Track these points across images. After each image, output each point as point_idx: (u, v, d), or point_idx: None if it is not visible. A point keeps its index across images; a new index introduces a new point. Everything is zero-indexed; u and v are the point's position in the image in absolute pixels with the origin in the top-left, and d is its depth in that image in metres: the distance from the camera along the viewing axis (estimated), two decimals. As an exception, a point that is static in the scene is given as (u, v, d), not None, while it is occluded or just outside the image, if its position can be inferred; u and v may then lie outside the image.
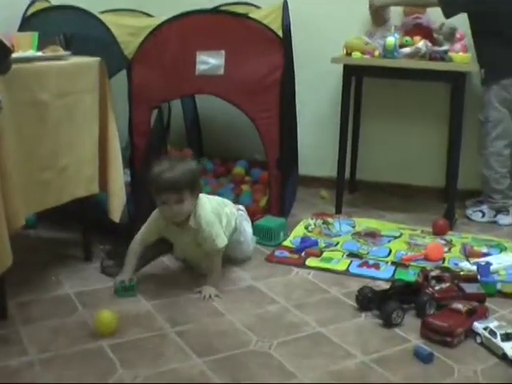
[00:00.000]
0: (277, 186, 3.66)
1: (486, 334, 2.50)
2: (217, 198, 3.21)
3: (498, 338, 2.46)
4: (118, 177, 3.07)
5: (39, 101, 2.67)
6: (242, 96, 3.52)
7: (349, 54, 3.86)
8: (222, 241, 2.95)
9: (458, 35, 3.85)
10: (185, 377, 2.27)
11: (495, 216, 4.00)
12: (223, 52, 3.50)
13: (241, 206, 3.34)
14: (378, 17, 4.12)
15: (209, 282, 2.91)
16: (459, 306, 2.63)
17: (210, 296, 2.84)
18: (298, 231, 3.68)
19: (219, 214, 3.04)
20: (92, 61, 3.01)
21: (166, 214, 2.89)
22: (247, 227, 3.28)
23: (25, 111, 2.59)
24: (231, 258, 3.19)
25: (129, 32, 3.48)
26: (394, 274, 3.15)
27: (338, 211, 4.02)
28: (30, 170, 2.65)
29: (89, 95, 2.98)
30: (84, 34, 3.20)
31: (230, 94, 3.52)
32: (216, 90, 3.53)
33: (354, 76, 4.07)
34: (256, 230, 3.48)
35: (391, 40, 3.71)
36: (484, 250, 3.44)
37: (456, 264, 3.25)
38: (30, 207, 2.67)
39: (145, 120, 3.43)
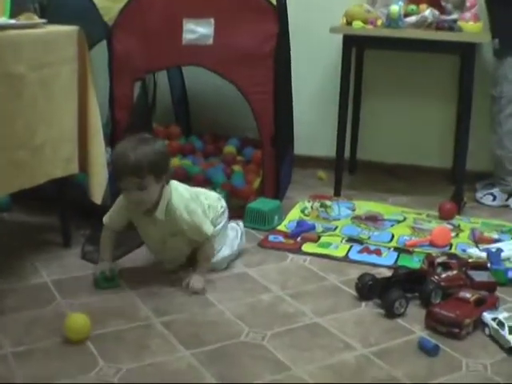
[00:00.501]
0: (271, 165, 3.65)
1: (495, 325, 2.50)
2: (197, 188, 3.06)
3: (506, 329, 2.45)
4: (100, 155, 3.06)
5: (13, 73, 2.64)
6: (233, 68, 3.50)
7: (349, 24, 3.84)
8: (208, 228, 2.84)
9: (468, 3, 3.82)
10: (171, 370, 2.26)
11: (507, 200, 4.00)
12: (212, 20, 3.48)
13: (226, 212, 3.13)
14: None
15: (198, 271, 2.87)
16: (467, 294, 2.63)
17: (197, 290, 2.78)
18: (294, 214, 3.68)
19: (196, 200, 2.89)
20: (70, 29, 2.98)
21: (129, 201, 2.77)
22: (232, 235, 3.15)
23: (-1, 85, 2.57)
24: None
25: (109, -3, 3.45)
26: (396, 261, 3.15)
27: (337, 193, 4.02)
28: (3, 149, 2.63)
29: (67, 67, 2.96)
30: (61, 1, 3.18)
31: (220, 66, 3.51)
32: (205, 62, 3.52)
33: (355, 47, 4.07)
34: (248, 213, 3.50)
35: (395, 8, 3.69)
36: (495, 235, 3.45)
37: (464, 250, 3.26)
38: (1, 188, 2.65)
39: (127, 93, 3.41)
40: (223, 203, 3.08)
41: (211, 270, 2.95)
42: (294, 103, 4.19)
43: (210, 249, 2.90)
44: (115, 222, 2.90)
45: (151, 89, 4.33)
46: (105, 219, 2.90)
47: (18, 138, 2.70)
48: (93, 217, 3.22)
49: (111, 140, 3.45)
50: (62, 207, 3.24)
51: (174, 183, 2.86)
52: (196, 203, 2.86)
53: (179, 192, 2.82)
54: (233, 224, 3.19)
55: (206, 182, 3.96)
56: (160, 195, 2.75)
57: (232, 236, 3.12)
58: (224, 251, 3.03)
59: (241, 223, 3.25)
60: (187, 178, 4.04)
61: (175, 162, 4.27)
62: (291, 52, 4.03)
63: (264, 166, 3.69)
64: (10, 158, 2.67)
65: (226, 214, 3.08)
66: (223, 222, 3.05)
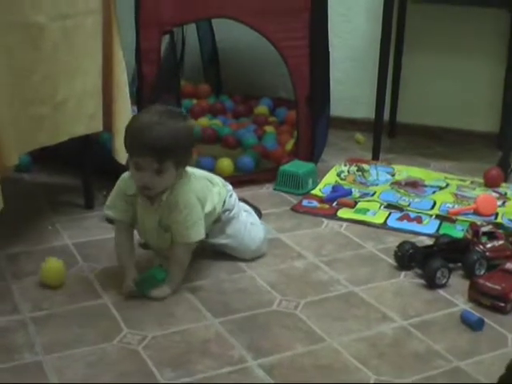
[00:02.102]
0: (306, 126, 3.61)
1: (542, 299, 2.46)
2: (205, 173, 2.73)
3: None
4: (125, 113, 3.03)
5: (32, 23, 2.61)
6: (267, 22, 3.45)
7: (392, -26, 3.76)
8: (196, 233, 2.50)
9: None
10: (198, 339, 2.25)
11: (558, 166, 3.93)
12: (246, -31, 3.43)
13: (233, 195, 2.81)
14: None
15: (168, 280, 2.51)
16: (514, 266, 2.58)
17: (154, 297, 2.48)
18: (329, 179, 3.65)
19: (205, 197, 2.57)
20: (94, -22, 2.95)
21: (138, 183, 2.45)
22: (253, 219, 2.87)
23: (15, 35, 2.54)
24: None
25: None
26: (438, 229, 3.11)
27: (376, 157, 3.97)
28: (22, 103, 2.61)
29: (91, 18, 2.92)
30: None
31: (254, 19, 3.45)
32: (237, 14, 3.46)
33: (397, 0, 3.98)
34: (281, 177, 3.47)
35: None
36: (545, 204, 3.39)
37: (511, 221, 3.21)
38: (21, 145, 2.64)
39: (154, 46, 3.37)
40: (229, 187, 2.78)
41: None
42: (330, 61, 4.13)
43: (184, 254, 2.54)
44: (119, 209, 2.58)
45: (179, 44, 4.30)
46: (106, 209, 2.63)
47: (37, 92, 2.68)
48: (116, 177, 3.21)
49: (137, 97, 3.42)
50: (85, 167, 3.23)
51: (189, 169, 2.59)
52: (199, 198, 2.53)
53: (187, 180, 2.52)
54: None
55: (237, 144, 3.95)
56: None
57: (250, 216, 2.88)
58: (258, 233, 2.82)
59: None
60: (217, 139, 4.04)
61: (204, 122, 4.26)
62: (328, 5, 3.96)
63: (298, 127, 3.65)
64: (29, 113, 2.65)
65: (235, 197, 2.78)
66: (235, 209, 2.76)
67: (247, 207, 2.91)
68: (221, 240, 2.75)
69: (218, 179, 2.75)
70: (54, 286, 2.54)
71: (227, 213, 2.72)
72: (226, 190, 2.73)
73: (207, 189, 2.62)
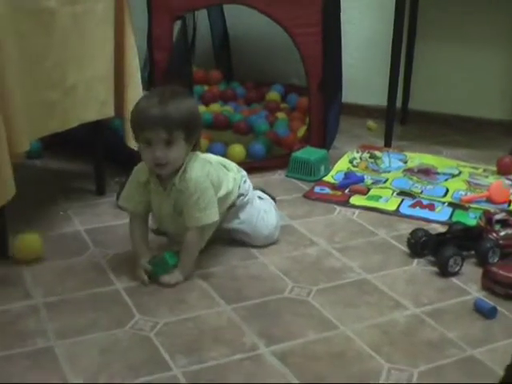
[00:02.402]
0: (318, 112, 3.59)
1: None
2: (220, 158, 2.76)
3: None
4: (137, 98, 3.01)
5: (44, 8, 2.60)
6: (279, 7, 3.44)
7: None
8: (208, 216, 2.49)
9: None
10: (211, 325, 2.25)
11: None
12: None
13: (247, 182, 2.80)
14: None
15: (179, 266, 2.52)
16: (528, 254, 2.57)
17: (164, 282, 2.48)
18: (342, 165, 3.63)
19: (219, 181, 2.58)
20: (106, -37, 2.94)
21: (150, 162, 2.45)
22: (267, 205, 2.85)
23: (27, 20, 2.53)
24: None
25: None
26: (451, 217, 3.09)
27: (388, 144, 3.96)
28: (33, 89, 2.60)
29: (101, 3, 2.90)
30: None
31: (265, 5, 3.44)
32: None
33: (410, -13, 3.97)
34: (293, 163, 3.46)
35: None
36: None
37: (523, 208, 3.19)
38: (32, 131, 2.63)
39: (166, 32, 3.37)
40: (243, 173, 2.78)
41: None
42: (342, 47, 4.11)
43: (195, 239, 2.53)
44: (134, 200, 2.57)
45: (190, 31, 4.29)
46: (121, 201, 2.64)
47: (48, 77, 2.67)
48: (128, 163, 3.20)
49: (149, 83, 3.42)
50: (96, 153, 3.22)
51: (202, 154, 2.61)
52: (213, 182, 2.53)
53: (198, 163, 2.51)
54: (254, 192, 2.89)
55: (248, 130, 3.94)
56: (183, 161, 2.48)
57: (263, 203, 2.86)
58: (271, 220, 2.80)
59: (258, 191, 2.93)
60: (228, 126, 4.03)
61: (215, 108, 4.25)
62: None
63: (311, 114, 3.64)
64: (40, 99, 2.64)
65: (249, 183, 2.78)
66: (249, 194, 2.76)
67: (262, 194, 2.91)
68: (234, 225, 2.74)
69: (232, 165, 2.75)
70: (29, 260, 2.59)
71: (241, 198, 2.72)
72: (240, 175, 2.73)
73: (222, 173, 2.63)
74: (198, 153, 2.59)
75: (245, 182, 2.74)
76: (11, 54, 2.41)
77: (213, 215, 2.50)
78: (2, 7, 2.33)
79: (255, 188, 2.85)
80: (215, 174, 2.56)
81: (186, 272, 2.52)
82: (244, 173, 2.77)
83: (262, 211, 2.78)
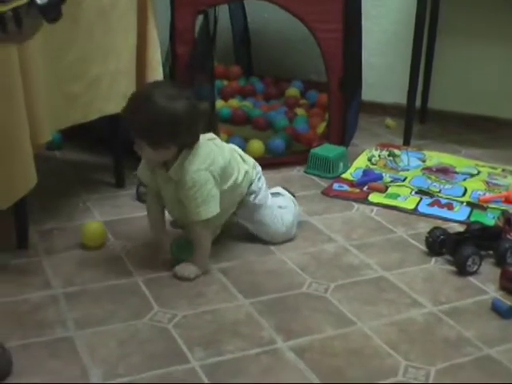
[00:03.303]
0: (338, 109, 3.59)
1: None
2: (238, 149, 2.74)
3: None
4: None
5: (70, -1, 2.62)
6: (301, 3, 3.43)
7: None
8: (206, 211, 2.46)
9: None
10: (229, 319, 2.26)
11: None
12: None
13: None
14: None
15: (193, 258, 2.54)
16: (547, 255, 2.56)
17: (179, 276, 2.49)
18: (360, 163, 3.63)
19: (226, 174, 2.55)
20: (130, -45, 2.94)
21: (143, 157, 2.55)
22: (284, 202, 2.84)
23: (53, 10, 2.55)
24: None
25: None
26: (469, 216, 3.08)
27: (407, 143, 3.94)
28: (56, 80, 2.60)
29: (126, -4, 2.92)
30: None
31: (288, 1, 3.43)
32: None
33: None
34: (312, 160, 3.46)
35: None
36: None
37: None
38: (54, 122, 2.64)
39: (189, 26, 3.37)
40: (258, 169, 2.76)
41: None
42: (362, 45, 4.11)
43: (201, 232, 2.53)
44: (147, 175, 2.60)
45: (212, 25, 4.28)
46: (138, 172, 2.66)
47: (71, 70, 2.68)
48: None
49: (171, 77, 3.42)
50: (115, 146, 3.23)
51: (218, 142, 2.63)
52: (216, 174, 2.50)
53: (202, 157, 2.47)
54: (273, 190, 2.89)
55: (267, 126, 3.94)
56: (177, 155, 2.47)
57: (281, 199, 2.85)
58: (287, 217, 2.78)
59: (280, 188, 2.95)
60: (247, 121, 4.03)
61: (234, 103, 4.25)
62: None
63: (330, 110, 3.63)
64: (63, 90, 2.65)
65: (263, 180, 2.76)
66: (262, 193, 2.72)
67: (282, 190, 2.91)
68: (249, 226, 2.75)
69: (250, 159, 2.75)
70: (95, 247, 2.66)
71: (253, 196, 2.70)
72: (255, 171, 2.72)
73: (235, 162, 2.62)
74: (215, 141, 2.60)
75: (259, 178, 2.73)
76: (35, 47, 2.42)
77: (212, 209, 2.48)
78: (28, -1, 2.34)
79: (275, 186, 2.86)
80: (220, 164, 2.52)
81: (203, 266, 2.53)
82: (259, 169, 2.76)
83: (277, 208, 2.77)
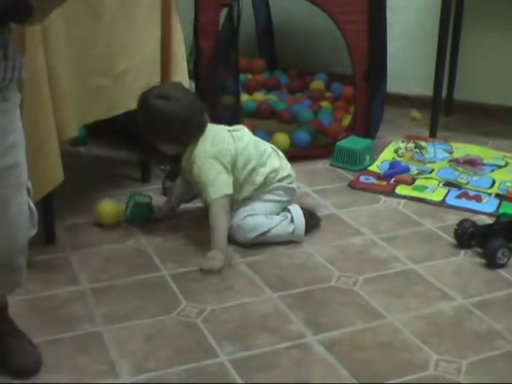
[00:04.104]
0: (364, 101, 3.57)
1: None
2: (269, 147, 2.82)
3: None
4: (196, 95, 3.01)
5: (92, -8, 2.61)
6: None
7: None
8: (215, 190, 2.57)
9: None
10: (257, 313, 2.25)
11: None
12: None
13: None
14: None
15: (212, 244, 2.56)
16: None
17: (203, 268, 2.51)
18: (387, 155, 3.60)
19: (239, 162, 2.66)
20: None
21: None
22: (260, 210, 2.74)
23: (77, 6, 2.52)
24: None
25: None
26: (498, 208, 3.05)
27: (433, 135, 3.91)
28: (82, 75, 2.60)
29: (149, -11, 2.91)
30: None
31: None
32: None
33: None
34: (338, 152, 3.44)
35: None
36: None
37: None
38: (80, 117, 2.64)
39: (213, 20, 3.36)
40: (290, 173, 2.80)
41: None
42: (387, 37, 4.08)
43: (217, 213, 2.57)
44: None
45: (235, 19, 4.27)
46: None
47: (97, 64, 2.67)
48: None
49: (195, 72, 3.41)
50: (140, 141, 3.21)
51: (217, 134, 2.68)
52: (217, 161, 2.60)
53: (206, 146, 2.62)
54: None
55: (292, 119, 3.92)
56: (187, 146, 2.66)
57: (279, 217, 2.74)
58: (259, 217, 2.69)
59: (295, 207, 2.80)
60: (272, 115, 4.02)
61: (259, 97, 4.23)
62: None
63: (356, 103, 3.62)
64: (88, 85, 2.65)
65: (287, 186, 2.77)
66: (274, 197, 2.74)
67: (296, 209, 2.76)
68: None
69: (287, 164, 2.81)
70: (109, 225, 2.76)
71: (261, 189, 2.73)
72: (283, 174, 2.76)
73: (255, 152, 2.71)
74: (234, 133, 2.71)
75: (283, 185, 2.76)
76: (60, 41, 2.42)
77: (221, 189, 2.58)
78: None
79: (304, 206, 2.83)
80: (231, 152, 2.64)
81: (222, 248, 2.54)
82: (292, 174, 2.81)
83: (248, 213, 2.69)
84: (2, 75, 1.66)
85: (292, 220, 2.70)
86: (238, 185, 2.67)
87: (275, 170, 2.74)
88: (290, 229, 2.69)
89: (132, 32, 2.83)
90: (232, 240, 2.65)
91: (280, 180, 2.75)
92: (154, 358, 2.02)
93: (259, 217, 2.67)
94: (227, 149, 2.64)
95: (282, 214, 2.75)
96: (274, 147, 2.85)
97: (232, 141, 2.68)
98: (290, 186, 2.79)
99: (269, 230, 2.66)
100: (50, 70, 2.36)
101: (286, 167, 2.79)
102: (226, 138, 2.67)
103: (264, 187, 2.72)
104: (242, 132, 2.77)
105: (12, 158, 1.76)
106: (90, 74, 2.65)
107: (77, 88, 2.56)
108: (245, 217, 2.66)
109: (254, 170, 2.70)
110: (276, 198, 2.75)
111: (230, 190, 2.60)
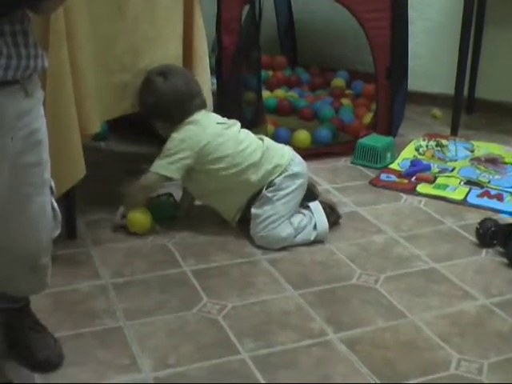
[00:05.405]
0: (386, 99, 3.56)
1: None
2: (269, 143, 2.76)
3: None
4: (205, 81, 3.00)
5: (117, -10, 2.61)
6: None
7: None
8: (160, 165, 2.66)
9: None
10: (279, 310, 2.24)
11: None
12: None
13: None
14: None
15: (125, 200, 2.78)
16: None
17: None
18: (408, 153, 3.58)
19: (211, 153, 2.65)
20: None
21: None
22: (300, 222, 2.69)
23: (101, 2, 2.53)
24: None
25: None
26: (520, 207, 3.03)
27: (454, 133, 3.88)
28: (106, 71, 2.60)
29: (173, -14, 2.90)
30: None
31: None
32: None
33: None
34: (359, 150, 3.43)
35: None
36: None
37: None
38: (104, 113, 2.64)
39: (235, 16, 3.35)
40: (293, 168, 2.69)
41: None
42: (408, 34, 4.06)
43: (143, 179, 2.73)
44: None
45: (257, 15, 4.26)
46: None
47: (120, 60, 2.67)
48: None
49: (217, 68, 3.40)
50: (160, 136, 3.21)
51: (198, 123, 2.69)
52: (184, 143, 2.65)
53: (183, 130, 2.68)
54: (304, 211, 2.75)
55: (313, 116, 3.91)
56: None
57: (299, 218, 2.70)
58: (283, 228, 2.64)
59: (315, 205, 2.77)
60: (293, 112, 4.01)
61: (280, 93, 4.22)
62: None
63: (378, 100, 3.60)
64: (112, 81, 2.65)
65: (290, 184, 2.68)
66: (281, 193, 2.66)
67: (317, 206, 2.75)
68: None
69: (286, 153, 2.73)
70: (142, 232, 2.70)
71: (271, 189, 2.66)
72: (283, 167, 2.68)
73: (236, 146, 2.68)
74: (224, 126, 2.72)
75: (285, 176, 2.68)
76: (84, 38, 2.42)
77: (159, 166, 2.67)
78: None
79: (325, 201, 2.81)
80: (201, 143, 2.64)
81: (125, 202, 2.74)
82: (295, 169, 2.70)
83: (281, 218, 2.64)
84: (25, 63, 1.65)
85: (315, 227, 2.68)
86: (205, 176, 2.68)
87: (252, 166, 2.66)
88: (312, 237, 2.68)
89: (155, 28, 2.82)
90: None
91: (270, 174, 2.67)
92: (175, 354, 2.01)
93: (282, 227, 2.63)
94: (198, 139, 2.65)
95: (306, 213, 2.72)
96: (264, 140, 2.76)
97: (210, 133, 2.67)
98: (287, 173, 2.68)
99: (292, 241, 2.65)
100: (74, 65, 2.35)
101: (271, 160, 2.69)
102: (205, 129, 2.68)
103: (268, 187, 2.67)
104: (228, 127, 2.73)
105: (36, 155, 1.76)
106: (114, 71, 2.65)
107: (100, 84, 2.56)
108: (267, 225, 2.62)
109: (224, 168, 2.66)
110: (284, 192, 2.67)
111: (168, 173, 2.66)
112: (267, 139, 2.78)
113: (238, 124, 2.78)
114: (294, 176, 2.69)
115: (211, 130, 2.68)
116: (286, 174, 2.68)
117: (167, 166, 2.65)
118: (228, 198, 2.72)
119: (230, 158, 2.65)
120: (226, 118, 2.77)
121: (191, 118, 2.69)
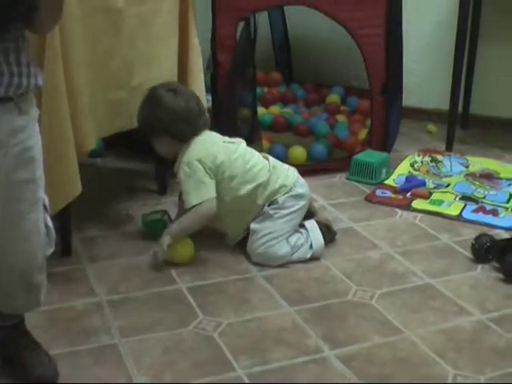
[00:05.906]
0: (380, 114, 3.56)
1: None
2: (274, 162, 2.77)
3: None
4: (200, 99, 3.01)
5: (112, 7, 2.62)
6: (343, 9, 3.40)
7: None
8: (193, 198, 2.59)
9: None
10: (274, 326, 2.24)
11: None
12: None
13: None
14: None
15: (169, 229, 2.65)
16: None
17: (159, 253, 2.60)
18: (403, 169, 3.59)
19: (224, 171, 2.64)
20: (172, -36, 2.93)
21: None
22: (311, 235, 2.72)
23: (96, 20, 2.54)
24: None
25: None
26: (515, 223, 3.03)
27: (449, 148, 3.89)
28: (101, 88, 2.61)
29: (167, 4, 2.91)
30: None
31: (331, 7, 3.40)
32: (314, 1, 3.41)
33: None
34: (354, 166, 3.43)
35: None
36: None
37: None
38: (99, 130, 2.64)
39: (231, 33, 3.37)
40: (297, 190, 2.71)
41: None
42: (403, 50, 4.07)
43: (188, 217, 2.62)
44: None
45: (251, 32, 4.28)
46: None
47: (115, 77, 2.69)
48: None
49: (212, 85, 3.41)
50: (157, 153, 3.21)
51: (207, 140, 2.69)
52: (201, 163, 2.61)
53: (194, 151, 2.64)
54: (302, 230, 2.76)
55: (309, 133, 3.92)
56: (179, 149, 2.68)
57: (296, 237, 2.70)
58: (280, 247, 2.65)
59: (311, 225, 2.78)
60: (288, 128, 4.01)
61: (275, 110, 4.23)
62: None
63: (373, 116, 3.60)
64: (107, 98, 2.66)
65: (294, 203, 2.70)
66: (282, 212, 2.67)
67: (313, 224, 2.75)
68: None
69: (290, 174, 2.74)
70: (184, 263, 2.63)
71: (273, 206, 2.67)
72: (288, 187, 2.70)
73: (252, 162, 2.69)
74: (229, 145, 2.71)
75: (289, 196, 2.69)
76: (80, 55, 2.43)
77: (200, 195, 2.59)
78: (74, 8, 2.34)
79: (321, 220, 2.81)
80: (218, 160, 2.63)
81: (172, 234, 2.60)
82: (298, 190, 2.72)
83: (268, 238, 2.64)
84: (17, 81, 1.66)
85: (311, 246, 2.68)
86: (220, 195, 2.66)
87: (261, 185, 2.67)
88: (308, 255, 2.67)
89: (150, 45, 2.84)
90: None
91: (274, 194, 2.69)
92: (171, 371, 2.01)
93: (280, 245, 2.63)
94: (214, 155, 2.63)
95: (303, 232, 2.72)
96: (269, 159, 2.77)
97: (223, 150, 2.67)
98: (290, 194, 2.69)
99: (288, 259, 2.65)
100: (69, 82, 2.37)
101: (277, 180, 2.70)
102: (217, 147, 2.68)
103: (270, 204, 2.68)
104: (237, 146, 2.74)
105: (29, 172, 1.76)
106: (109, 87, 2.66)
107: (96, 101, 2.57)
108: (265, 242, 2.63)
109: (237, 187, 2.66)
110: (286, 211, 2.68)
111: (212, 194, 2.61)
112: (272, 158, 2.78)
113: (244, 142, 2.78)
114: (298, 197, 2.71)
115: (223, 148, 2.68)
116: (290, 194, 2.69)
117: (205, 191, 2.61)
118: (237, 219, 2.71)
119: (240, 178, 2.65)
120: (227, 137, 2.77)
121: (200, 137, 2.67)
